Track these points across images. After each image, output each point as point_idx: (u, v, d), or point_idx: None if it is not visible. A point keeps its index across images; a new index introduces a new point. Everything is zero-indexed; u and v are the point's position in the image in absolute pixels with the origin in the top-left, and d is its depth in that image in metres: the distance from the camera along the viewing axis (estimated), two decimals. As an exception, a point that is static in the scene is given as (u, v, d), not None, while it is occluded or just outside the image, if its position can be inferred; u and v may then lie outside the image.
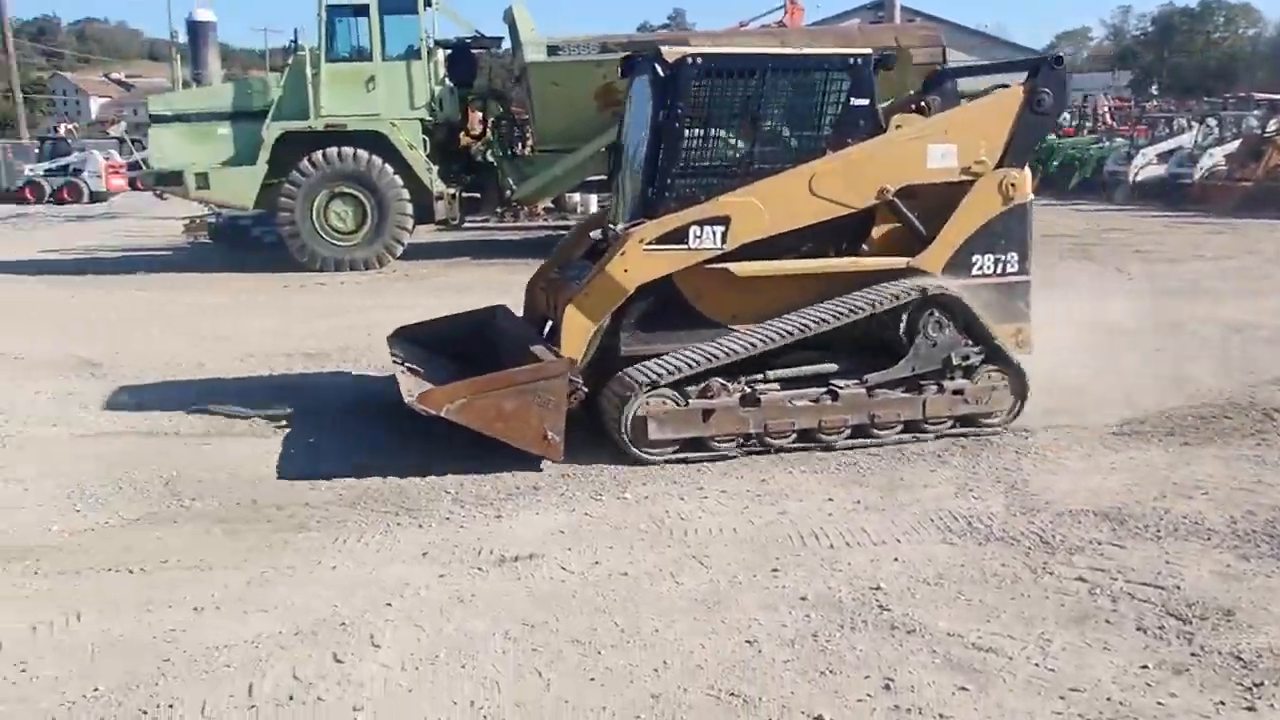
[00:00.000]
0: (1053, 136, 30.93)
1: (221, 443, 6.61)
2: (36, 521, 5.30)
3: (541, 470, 5.92)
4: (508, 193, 16.58)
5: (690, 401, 6.03)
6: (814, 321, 6.20)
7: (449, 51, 16.18)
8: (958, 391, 6.41)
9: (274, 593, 4.40)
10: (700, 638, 3.96)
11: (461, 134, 16.51)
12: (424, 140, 15.54)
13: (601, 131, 15.41)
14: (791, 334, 6.15)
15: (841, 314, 6.20)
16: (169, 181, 15.62)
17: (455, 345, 7.37)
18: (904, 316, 6.35)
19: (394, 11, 15.37)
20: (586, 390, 6.19)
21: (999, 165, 6.52)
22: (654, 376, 5.98)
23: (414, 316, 10.72)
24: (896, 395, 6.33)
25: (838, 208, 6.38)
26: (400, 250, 15.52)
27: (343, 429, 6.82)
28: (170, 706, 3.53)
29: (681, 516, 5.23)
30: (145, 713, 3.50)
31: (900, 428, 6.37)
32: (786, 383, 6.24)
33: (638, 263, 6.16)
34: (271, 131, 15.07)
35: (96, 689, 3.65)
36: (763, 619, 4.11)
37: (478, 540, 4.94)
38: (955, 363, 6.40)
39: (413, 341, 7.50)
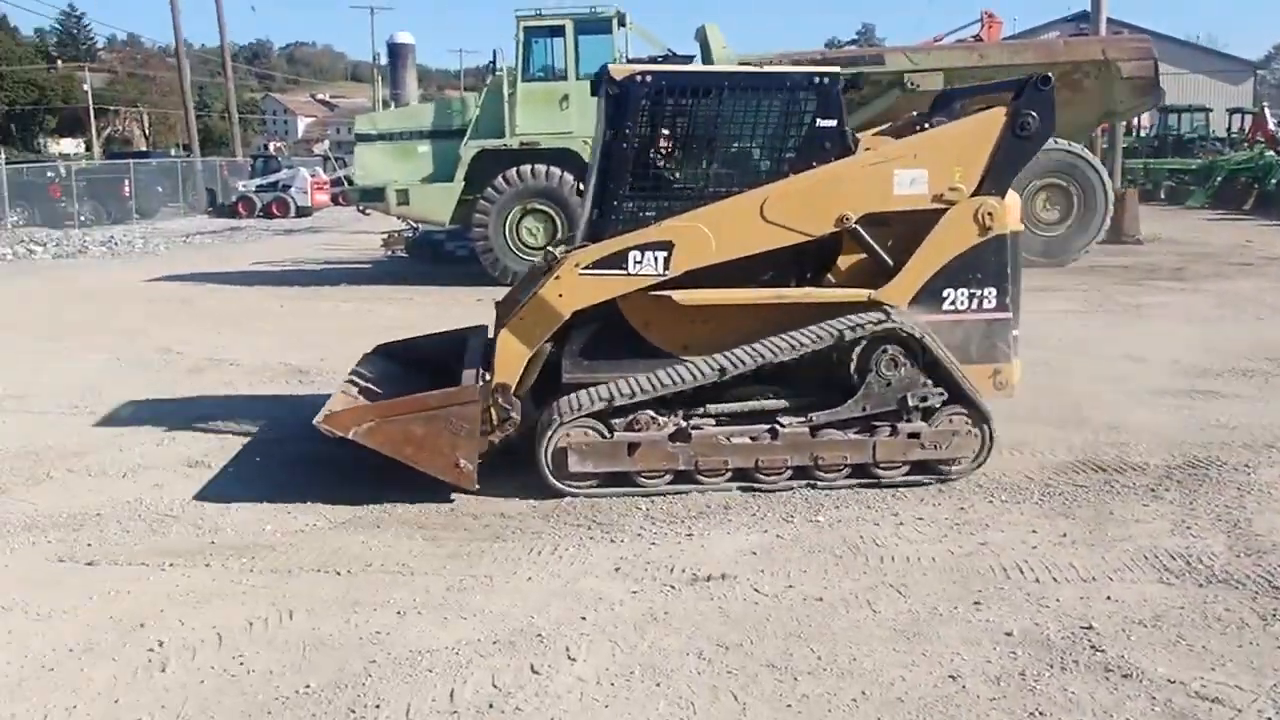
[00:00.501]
0: (1271, 153, 29.07)
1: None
2: (253, 520, 5.59)
3: (734, 491, 5.87)
4: (695, 209, 16.64)
5: (615, 434, 5.76)
6: (749, 356, 5.82)
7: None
8: (913, 435, 5.91)
9: (472, 600, 4.50)
10: (900, 669, 3.83)
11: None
12: (615, 158, 15.74)
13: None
14: (722, 369, 5.78)
15: (780, 349, 5.82)
16: (372, 197, 16.37)
17: (434, 364, 6.90)
18: (855, 353, 5.91)
19: (589, 32, 15.68)
20: (517, 417, 5.96)
21: (977, 193, 6.03)
22: (576, 406, 5.77)
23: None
24: (843, 436, 5.89)
25: (793, 235, 6.01)
26: (589, 265, 15.75)
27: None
28: (376, 707, 3.64)
29: (877, 542, 5.09)
30: (353, 711, 3.63)
31: (848, 471, 5.93)
32: (734, 418, 5.90)
33: (573, 287, 5.93)
34: (469, 149, 15.59)
35: (308, 685, 3.80)
36: (965, 653, 3.94)
37: (669, 558, 4.94)
38: (912, 404, 5.89)
39: (390, 358, 7.27)
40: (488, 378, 6.05)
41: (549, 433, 5.75)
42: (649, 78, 6.06)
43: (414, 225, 18.48)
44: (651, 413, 5.80)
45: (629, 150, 6.06)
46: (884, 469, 5.94)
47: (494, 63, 15.93)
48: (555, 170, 15.31)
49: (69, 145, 68.18)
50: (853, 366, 5.90)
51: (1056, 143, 15.52)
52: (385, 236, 20.23)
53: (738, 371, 5.79)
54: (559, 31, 15.67)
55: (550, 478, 5.79)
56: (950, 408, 5.93)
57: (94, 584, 4.77)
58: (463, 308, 13.63)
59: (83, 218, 30.79)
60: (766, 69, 7.15)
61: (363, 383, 6.65)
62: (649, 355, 6.08)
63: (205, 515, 5.66)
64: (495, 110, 15.64)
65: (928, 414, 5.93)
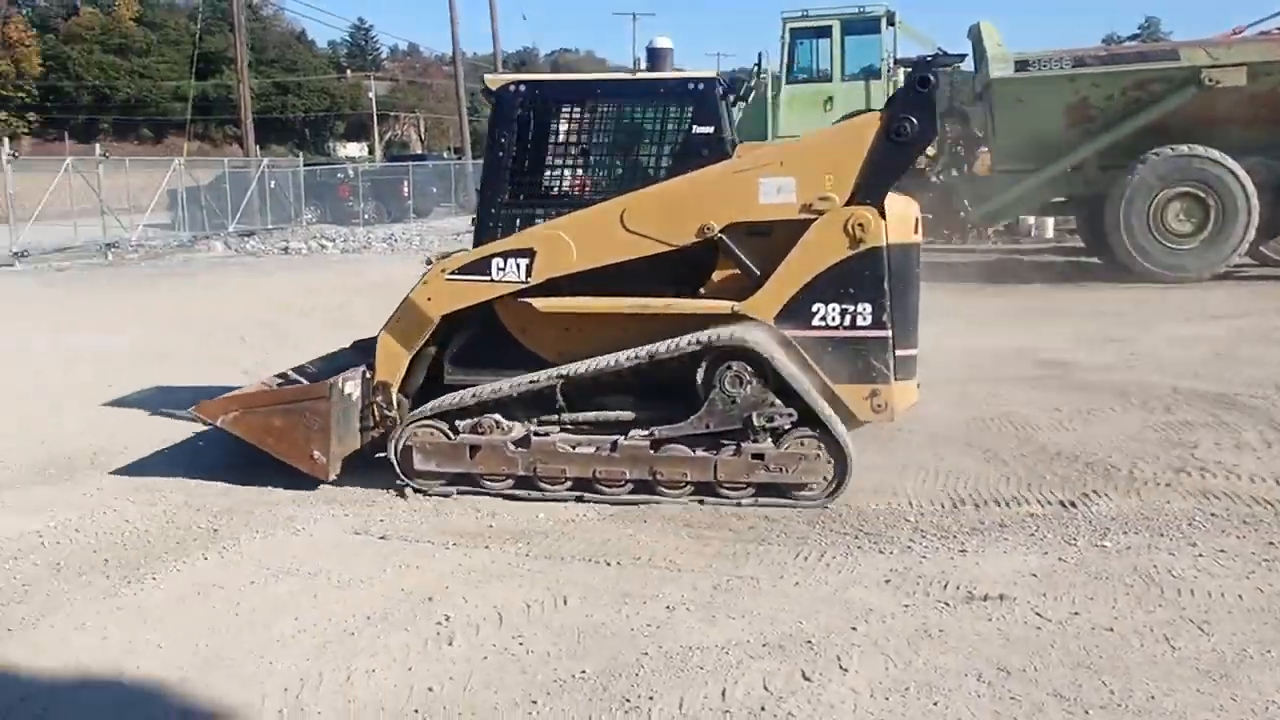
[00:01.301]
0: None
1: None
2: (527, 508, 5.81)
3: (1009, 508, 5.63)
4: (961, 214, 16.11)
5: (457, 436, 5.87)
6: (587, 366, 5.81)
7: (909, 70, 15.99)
8: (757, 456, 5.61)
9: (739, 601, 4.50)
10: (1206, 713, 3.54)
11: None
12: (880, 161, 15.46)
13: (1068, 151, 14.62)
14: (561, 377, 5.86)
15: (620, 360, 5.74)
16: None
17: None
18: (700, 368, 5.67)
19: (856, 32, 15.51)
20: (390, 416, 6.16)
21: (850, 202, 5.62)
22: (425, 408, 5.99)
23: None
24: (684, 453, 5.71)
25: (654, 244, 5.80)
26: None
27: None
28: (650, 699, 3.70)
29: (1173, 573, 4.74)
30: (628, 700, 3.70)
31: (691, 489, 5.76)
32: (589, 427, 5.95)
33: (439, 291, 6.03)
34: (731, 153, 15.66)
35: (584, 671, 3.91)
36: (1281, 702, 3.61)
37: (942, 573, 4.77)
38: (758, 424, 5.61)
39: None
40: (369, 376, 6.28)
41: (397, 431, 6.05)
42: (522, 86, 6.15)
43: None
44: (497, 417, 5.95)
45: (505, 159, 6.15)
46: (728, 489, 5.77)
47: (759, 65, 15.97)
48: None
49: (354, 149, 73.41)
50: (699, 381, 5.72)
51: (1192, 149, 14.04)
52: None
53: (572, 379, 5.84)
54: (825, 32, 15.57)
55: (402, 475, 6.05)
56: (800, 430, 5.65)
57: (387, 557, 5.10)
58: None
59: (366, 216, 33.10)
60: (640, 75, 7.05)
61: (295, 375, 6.98)
62: (528, 361, 6.07)
63: (482, 501, 5.93)
64: (759, 113, 15.68)
65: (777, 435, 5.68)
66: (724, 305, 5.86)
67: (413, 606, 4.51)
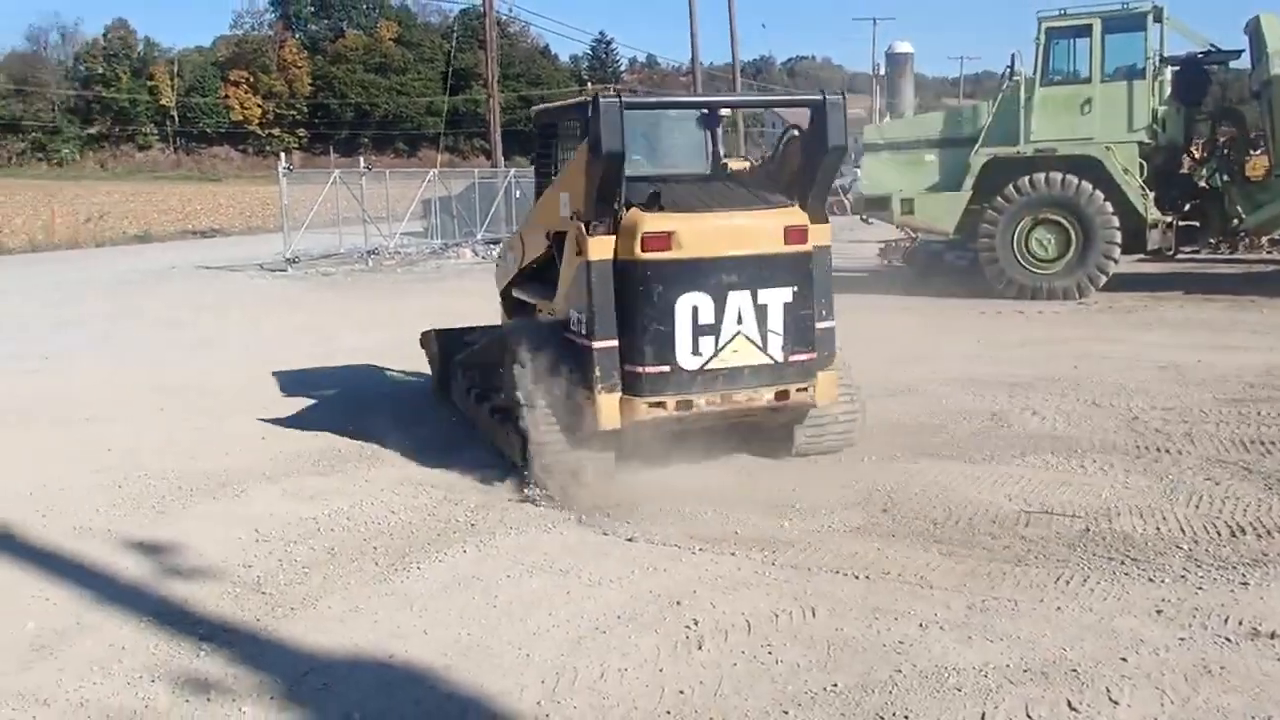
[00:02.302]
0: None
1: (930, 463, 6.71)
2: (771, 516, 5.79)
3: (1295, 538, 5.18)
4: (1234, 221, 14.96)
5: None
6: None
7: (1177, 68, 15.03)
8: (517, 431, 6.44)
9: (996, 623, 4.33)
10: None
11: (1184, 157, 15.26)
12: (1141, 165, 14.58)
13: (1358, 153, 13.31)
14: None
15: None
16: (877, 206, 16.43)
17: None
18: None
19: (1119, 30, 14.64)
20: None
21: (582, 217, 6.15)
22: None
23: (1119, 351, 10.19)
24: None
25: (541, 244, 7.11)
26: (1103, 280, 14.73)
27: (1054, 465, 6.58)
28: (905, 718, 3.61)
29: None
30: (881, 717, 3.63)
31: None
32: None
33: None
34: (979, 158, 15.16)
35: (835, 684, 3.86)
36: None
37: (1221, 606, 4.43)
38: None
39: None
40: None
41: None
42: None
43: (913, 235, 18.32)
44: None
45: None
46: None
47: (1011, 67, 15.33)
48: (1072, 179, 14.46)
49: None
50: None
51: None
52: (883, 246, 20.25)
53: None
54: (1084, 31, 14.78)
55: None
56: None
57: (635, 559, 5.20)
58: (964, 319, 13.33)
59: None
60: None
61: None
62: None
63: (727, 507, 5.94)
64: (1009, 117, 15.07)
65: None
66: (544, 303, 7.15)
67: (661, 609, 4.58)
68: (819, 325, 6.40)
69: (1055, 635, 4.19)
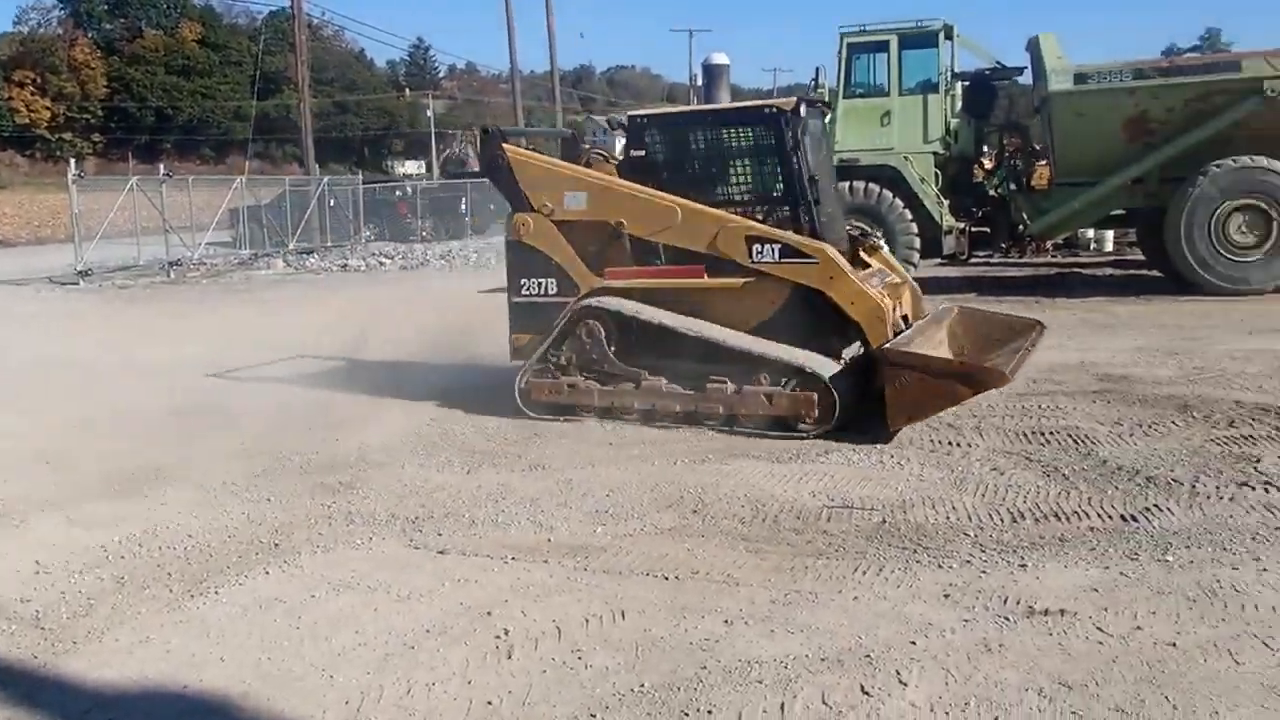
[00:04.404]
0: None
1: (740, 463, 6.90)
2: (586, 522, 5.84)
3: (1070, 522, 5.56)
4: (1021, 228, 15.94)
5: None
6: None
7: (967, 84, 15.92)
8: None
9: (798, 615, 4.48)
10: (1274, 731, 3.47)
11: (975, 167, 16.18)
12: (936, 174, 15.39)
13: (1128, 164, 14.43)
14: None
15: None
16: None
17: None
18: None
19: (914, 46, 15.44)
20: None
21: None
22: None
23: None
24: None
25: None
26: (903, 285, 15.43)
27: (855, 462, 6.87)
28: (709, 713, 3.70)
29: (1236, 588, 4.64)
30: (686, 714, 3.70)
31: None
32: None
33: None
34: (785, 168, 15.63)
35: (642, 684, 3.92)
36: (1354, 721, 3.52)
37: (1002, 588, 4.71)
38: None
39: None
40: None
41: None
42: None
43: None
44: None
45: None
46: None
47: (816, 80, 15.95)
48: (874, 187, 15.12)
49: (411, 167, 74.32)
50: None
51: (1255, 161, 13.71)
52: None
53: None
54: (883, 47, 15.52)
55: None
56: None
57: (446, 571, 5.14)
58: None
59: (424, 233, 33.46)
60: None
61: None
62: None
63: (542, 515, 5.96)
64: (815, 127, 15.64)
65: None
66: None
67: (472, 620, 4.55)
68: None
69: (852, 624, 4.37)
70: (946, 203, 15.42)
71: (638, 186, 8.11)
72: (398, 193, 36.82)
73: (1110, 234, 20.87)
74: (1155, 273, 16.49)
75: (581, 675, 4.03)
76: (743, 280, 7.69)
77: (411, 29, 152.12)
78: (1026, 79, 16.24)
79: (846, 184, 15.20)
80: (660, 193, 8.00)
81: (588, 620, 4.51)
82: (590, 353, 8.00)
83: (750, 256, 7.64)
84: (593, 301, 8.03)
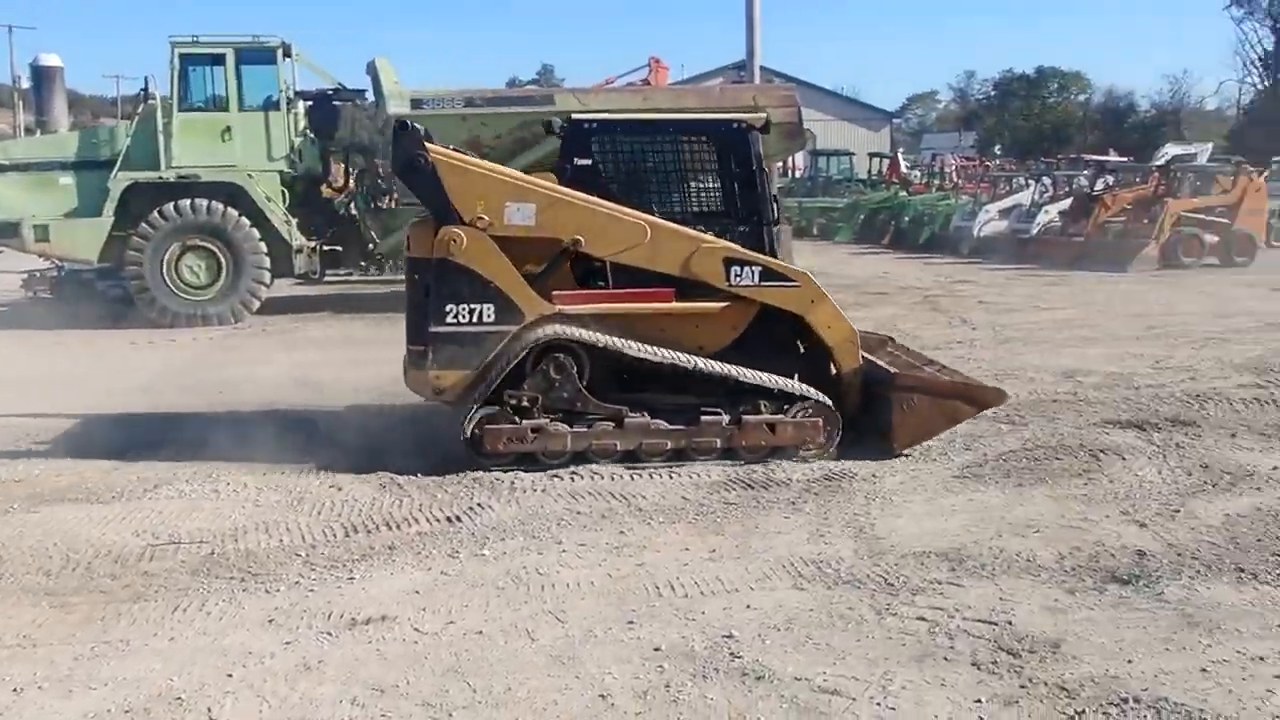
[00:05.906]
0: (904, 193, 32.35)
1: (52, 509, 6.28)
2: None
3: (401, 530, 5.82)
4: (371, 246, 16.36)
5: None
6: None
7: (310, 103, 15.98)
8: None
9: (104, 669, 4.18)
10: (553, 694, 3.93)
11: (323, 186, 16.29)
12: (283, 192, 15.26)
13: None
14: None
15: None
16: (4, 234, 14.95)
17: None
18: None
19: (252, 61, 15.14)
20: None
21: None
22: None
23: (271, 372, 10.51)
24: None
25: None
26: (257, 305, 15.12)
27: (188, 493, 6.58)
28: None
29: (540, 571, 5.19)
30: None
31: None
32: None
33: None
34: (119, 183, 14.57)
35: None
36: (616, 672, 4.10)
37: (328, 604, 4.81)
38: None
39: None
40: None
41: None
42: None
43: (59, 264, 16.98)
44: None
45: None
46: None
47: (145, 90, 15.02)
48: (218, 205, 14.62)
49: None
50: None
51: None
52: (26, 277, 18.47)
53: None
54: (219, 60, 15.03)
55: None
56: None
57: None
58: (119, 354, 12.73)
59: None
60: None
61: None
62: None
63: None
64: (149, 141, 14.73)
65: None
66: None
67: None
68: None
69: (165, 666, 4.17)
70: (295, 222, 15.36)
71: (597, 200, 7.09)
72: None
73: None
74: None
75: None
76: (720, 305, 7.16)
77: None
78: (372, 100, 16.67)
79: (188, 202, 14.55)
80: (624, 209, 7.14)
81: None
82: (560, 390, 6.95)
83: (728, 279, 7.10)
84: (555, 330, 6.98)
